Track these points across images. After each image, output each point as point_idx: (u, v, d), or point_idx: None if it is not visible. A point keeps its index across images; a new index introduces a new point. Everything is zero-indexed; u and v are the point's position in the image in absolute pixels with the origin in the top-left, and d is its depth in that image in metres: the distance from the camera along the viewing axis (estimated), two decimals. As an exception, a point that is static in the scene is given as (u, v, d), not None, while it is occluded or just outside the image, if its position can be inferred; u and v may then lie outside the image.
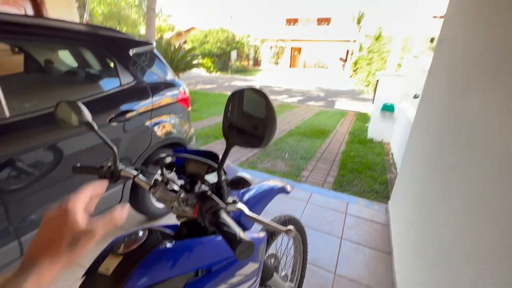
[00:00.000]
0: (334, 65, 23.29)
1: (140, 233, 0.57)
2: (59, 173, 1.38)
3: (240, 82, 14.52)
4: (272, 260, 1.09)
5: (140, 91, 1.84)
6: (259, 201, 0.85)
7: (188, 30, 23.71)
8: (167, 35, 20.02)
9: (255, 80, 15.59)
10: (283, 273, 1.23)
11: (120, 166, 0.70)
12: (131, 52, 1.85)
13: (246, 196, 0.85)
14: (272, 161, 3.57)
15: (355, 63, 10.26)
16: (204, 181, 0.59)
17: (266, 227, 0.61)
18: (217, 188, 0.56)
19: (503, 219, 0.70)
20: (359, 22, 16.67)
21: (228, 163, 0.71)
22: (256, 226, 0.80)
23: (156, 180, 0.64)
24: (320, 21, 24.12)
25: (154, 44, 2.14)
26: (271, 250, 1.08)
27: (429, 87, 1.83)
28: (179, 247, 0.56)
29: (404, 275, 1.48)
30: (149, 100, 1.87)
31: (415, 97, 3.92)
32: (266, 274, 0.96)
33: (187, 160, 0.64)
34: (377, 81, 4.72)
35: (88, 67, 1.80)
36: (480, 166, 0.88)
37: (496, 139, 0.81)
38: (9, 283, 0.28)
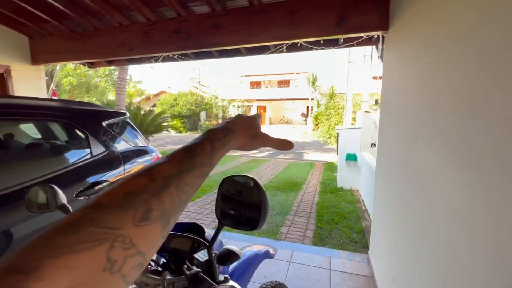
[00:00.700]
0: (297, 120, 25.30)
1: None
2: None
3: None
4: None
5: (111, 161, 1.80)
6: (246, 271, 0.83)
7: (158, 94, 24.64)
8: (136, 100, 20.49)
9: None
10: None
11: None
12: (104, 123, 1.87)
13: (232, 267, 0.82)
14: (249, 219, 3.46)
15: (316, 118, 11.31)
16: (192, 260, 0.58)
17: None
18: (207, 266, 0.55)
19: (469, 260, 0.77)
20: (313, 83, 19.01)
21: (209, 232, 0.71)
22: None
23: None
24: (280, 83, 27.05)
25: (127, 114, 2.20)
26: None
27: (382, 140, 2.08)
28: None
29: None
30: (121, 168, 1.82)
31: (372, 146, 4.35)
32: None
33: (169, 234, 0.63)
34: (338, 133, 5.20)
35: (56, 140, 1.76)
36: (435, 211, 0.98)
37: (439, 185, 0.94)
38: (221, 138, 0.36)
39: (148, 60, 3.20)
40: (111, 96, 16.34)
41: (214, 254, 0.55)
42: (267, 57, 2.94)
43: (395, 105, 1.71)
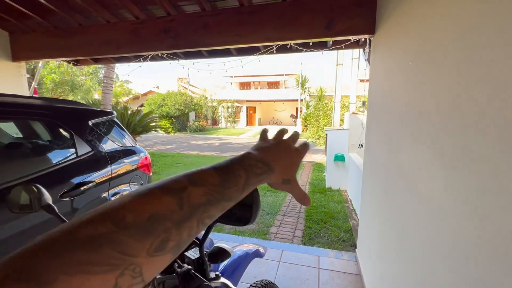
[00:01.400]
0: (286, 122, 25.49)
1: None
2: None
3: (200, 141, 14.68)
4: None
5: (98, 161, 1.76)
6: (237, 269, 0.83)
7: (146, 94, 24.18)
8: (124, 99, 20.02)
9: (215, 138, 15.96)
10: None
11: None
12: (90, 122, 1.82)
13: (222, 265, 0.82)
14: (239, 220, 3.46)
15: (305, 119, 11.44)
16: (183, 258, 0.58)
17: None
18: (198, 264, 0.55)
19: (454, 261, 0.80)
20: (303, 85, 19.23)
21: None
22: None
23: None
24: (270, 84, 27.21)
25: (115, 113, 2.16)
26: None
27: (369, 141, 2.14)
28: None
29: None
30: (108, 168, 1.78)
31: (360, 146, 4.45)
32: None
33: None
34: (326, 134, 5.28)
35: (38, 140, 1.70)
36: (420, 210, 1.02)
37: (424, 184, 0.98)
38: (257, 175, 0.34)
39: (136, 59, 3.15)
40: (97, 95, 15.90)
41: (205, 252, 0.55)
42: (257, 58, 2.96)
43: (381, 107, 1.76)
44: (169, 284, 0.53)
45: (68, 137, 1.67)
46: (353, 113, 5.08)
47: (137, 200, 0.24)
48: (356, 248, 2.54)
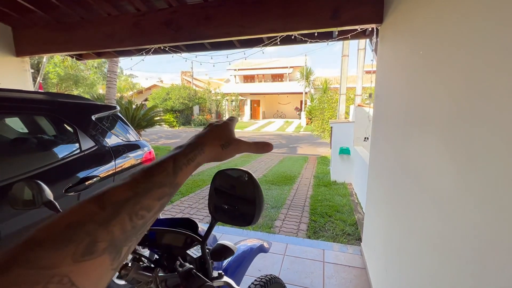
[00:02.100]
0: (290, 115, 25.31)
1: None
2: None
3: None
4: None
5: (102, 156, 1.76)
6: (240, 266, 0.82)
7: (149, 88, 24.21)
8: (128, 94, 20.09)
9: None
10: None
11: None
12: (94, 117, 1.82)
13: (226, 262, 0.81)
14: (244, 213, 3.47)
15: (309, 112, 11.33)
16: (184, 256, 0.56)
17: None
18: (201, 262, 0.53)
19: (462, 254, 0.78)
20: (307, 77, 18.99)
21: (202, 227, 0.70)
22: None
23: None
24: (274, 77, 26.90)
25: (118, 107, 2.15)
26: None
27: (376, 134, 2.09)
28: None
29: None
30: (112, 163, 1.79)
31: (365, 140, 4.39)
32: None
33: (160, 230, 0.61)
34: (332, 127, 5.22)
35: (43, 135, 1.70)
36: (427, 204, 0.99)
37: (432, 179, 0.95)
38: (186, 154, 0.35)
39: (138, 52, 3.12)
40: (101, 90, 15.97)
41: (207, 250, 0.54)
42: (261, 49, 2.90)
43: (389, 98, 1.71)
44: (171, 282, 0.52)
45: (72, 132, 1.67)
46: (359, 105, 5.00)
47: (53, 218, 0.23)
48: (361, 242, 2.53)
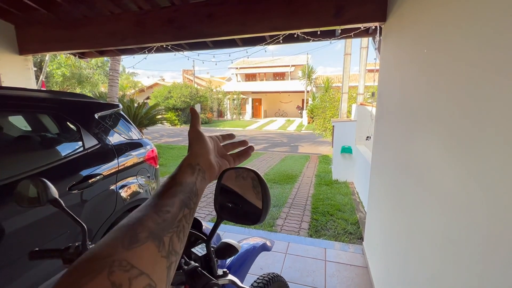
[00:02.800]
0: (292, 113, 25.27)
1: None
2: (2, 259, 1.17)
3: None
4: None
5: (105, 154, 1.76)
6: (244, 264, 0.82)
7: (151, 86, 24.22)
8: (130, 92, 20.12)
9: (223, 131, 15.97)
10: None
11: (91, 246, 0.64)
12: (96, 115, 1.82)
13: (230, 260, 0.81)
14: (245, 212, 3.47)
15: (311, 111, 11.29)
16: (189, 254, 0.56)
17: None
18: (205, 260, 0.54)
19: (467, 254, 0.78)
20: (309, 76, 18.92)
21: (206, 225, 0.70)
22: None
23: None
24: (276, 75, 26.84)
25: (120, 105, 2.15)
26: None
27: (378, 133, 2.09)
28: None
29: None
30: (115, 161, 1.79)
31: (367, 139, 4.38)
32: None
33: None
34: (333, 126, 5.21)
35: (46, 133, 1.71)
36: (429, 203, 0.99)
37: (434, 177, 0.95)
38: (185, 177, 0.36)
39: (141, 50, 3.12)
40: (103, 89, 15.99)
41: (212, 248, 0.54)
42: (263, 48, 2.90)
43: (392, 97, 1.70)
44: (176, 280, 0.53)
45: (75, 130, 1.68)
46: (361, 104, 4.98)
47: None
48: (363, 240, 2.53)
